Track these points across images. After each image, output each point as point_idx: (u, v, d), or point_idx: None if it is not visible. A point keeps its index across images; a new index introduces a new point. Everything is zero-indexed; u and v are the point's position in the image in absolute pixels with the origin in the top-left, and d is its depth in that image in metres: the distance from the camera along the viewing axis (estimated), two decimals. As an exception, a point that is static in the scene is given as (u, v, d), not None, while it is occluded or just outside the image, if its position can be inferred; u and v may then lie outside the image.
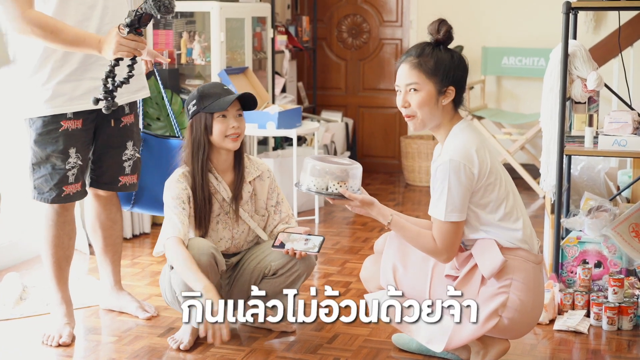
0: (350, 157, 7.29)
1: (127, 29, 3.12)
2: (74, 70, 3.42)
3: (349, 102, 7.81)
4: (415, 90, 3.03)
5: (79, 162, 3.52)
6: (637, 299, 3.79)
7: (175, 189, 3.48)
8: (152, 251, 5.07)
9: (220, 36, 5.63)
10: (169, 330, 3.73)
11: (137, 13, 3.08)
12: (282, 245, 3.46)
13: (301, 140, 6.51)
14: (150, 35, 5.74)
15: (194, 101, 3.52)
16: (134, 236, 5.38)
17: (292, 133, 5.65)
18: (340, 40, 7.82)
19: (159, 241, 3.44)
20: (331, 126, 7.10)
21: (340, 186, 3.04)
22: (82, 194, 3.59)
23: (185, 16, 5.77)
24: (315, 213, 5.84)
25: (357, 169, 3.09)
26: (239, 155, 3.61)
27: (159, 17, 3.10)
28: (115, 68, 3.17)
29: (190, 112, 3.53)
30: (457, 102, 3.08)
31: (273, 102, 6.40)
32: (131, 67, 3.21)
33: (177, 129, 4.16)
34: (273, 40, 6.45)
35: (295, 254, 3.44)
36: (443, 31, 3.04)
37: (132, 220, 5.38)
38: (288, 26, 7.17)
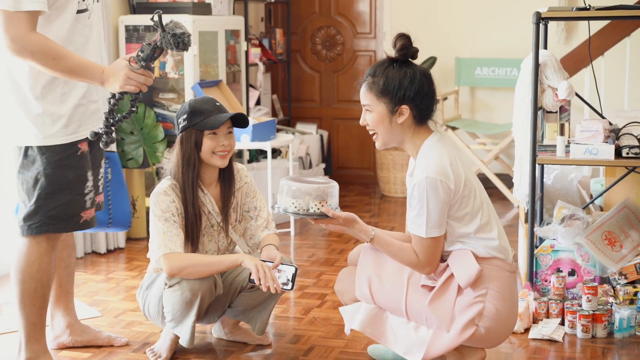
0: (325, 169, 7.31)
1: (140, 63, 2.98)
2: (83, 93, 3.25)
3: (323, 114, 7.82)
4: (369, 111, 3.06)
5: (92, 186, 3.35)
6: (611, 306, 3.81)
7: (164, 201, 3.44)
8: (126, 266, 5.04)
9: (193, 49, 5.62)
10: (144, 345, 3.71)
11: (154, 47, 2.97)
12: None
13: (276, 152, 6.50)
14: (124, 49, 5.72)
15: (185, 116, 3.47)
16: (109, 251, 5.35)
17: (267, 145, 5.65)
18: (314, 52, 7.83)
19: (154, 256, 3.42)
20: (306, 138, 7.10)
21: (322, 205, 3.04)
22: (94, 219, 3.41)
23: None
24: (291, 225, 5.83)
25: (334, 187, 3.10)
26: (227, 169, 3.59)
27: (175, 51, 3.03)
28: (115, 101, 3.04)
29: (180, 127, 3.49)
30: (421, 117, 3.07)
31: (247, 114, 6.39)
32: (134, 101, 3.08)
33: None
34: (247, 53, 6.45)
35: (269, 289, 3.39)
36: (397, 47, 3.04)
37: (107, 234, 5.35)
38: (262, 39, 7.17)
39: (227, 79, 6.15)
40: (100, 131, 3.02)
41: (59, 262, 3.59)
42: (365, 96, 3.07)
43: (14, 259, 3.28)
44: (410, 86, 3.00)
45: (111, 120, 3.02)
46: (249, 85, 6.55)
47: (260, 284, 3.32)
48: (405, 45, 3.02)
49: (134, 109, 3.08)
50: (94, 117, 3.30)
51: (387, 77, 3.02)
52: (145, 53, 2.97)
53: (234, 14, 6.47)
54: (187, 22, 5.52)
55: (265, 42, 7.17)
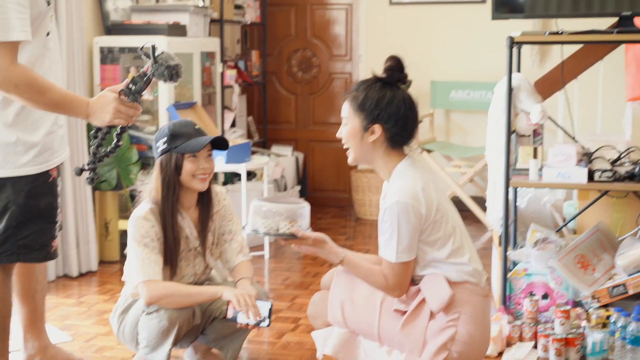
0: (300, 191, 7.29)
1: (133, 96, 2.90)
2: (54, 119, 3.16)
3: (299, 136, 7.82)
4: (345, 124, 3.07)
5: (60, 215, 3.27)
6: (584, 330, 3.81)
7: (144, 226, 3.40)
8: (98, 289, 5.00)
9: (168, 71, 5.59)
10: (115, 370, 3.68)
11: (146, 79, 2.90)
12: (233, 318, 3.36)
13: (251, 175, 6.49)
14: (98, 70, 5.70)
15: (165, 139, 3.44)
16: (80, 275, 5.30)
17: (241, 168, 5.64)
18: (290, 74, 7.84)
19: (132, 282, 3.38)
20: (281, 160, 7.09)
21: (292, 226, 3.03)
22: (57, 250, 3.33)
23: (132, 51, 5.75)
24: (265, 248, 5.81)
25: (304, 208, 3.09)
26: (206, 192, 3.57)
27: (165, 83, 2.97)
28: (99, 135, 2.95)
29: (159, 150, 3.46)
30: (393, 141, 3.07)
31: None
32: (120, 135, 2.99)
33: None
34: (222, 74, 6.45)
35: (247, 326, 3.36)
36: (385, 67, 3.05)
37: (79, 258, 5.30)
38: (237, 61, 7.17)
39: (202, 100, 6.14)
40: (87, 167, 2.93)
41: (29, 292, 3.50)
42: (344, 108, 3.08)
43: None
44: (386, 108, 3.01)
45: (98, 156, 2.93)
46: (224, 107, 6.54)
47: (239, 322, 3.30)
48: (391, 67, 3.04)
49: (120, 142, 2.99)
50: (62, 143, 3.24)
51: (367, 94, 3.03)
52: (139, 85, 2.89)
53: (209, 35, 6.47)
54: (163, 43, 5.51)
55: (241, 64, 7.17)
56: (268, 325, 3.32)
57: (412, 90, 7.61)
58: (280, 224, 3.04)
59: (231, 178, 6.38)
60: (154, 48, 2.90)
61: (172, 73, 2.89)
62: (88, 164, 2.95)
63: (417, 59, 7.20)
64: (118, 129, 2.99)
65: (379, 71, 3.08)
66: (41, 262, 3.25)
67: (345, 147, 3.11)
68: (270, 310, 3.33)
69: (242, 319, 3.32)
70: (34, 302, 3.53)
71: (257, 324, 3.31)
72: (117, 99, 2.91)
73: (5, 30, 2.83)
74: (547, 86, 5.49)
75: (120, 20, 5.91)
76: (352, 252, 3.16)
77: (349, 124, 3.07)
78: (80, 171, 2.96)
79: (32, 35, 2.98)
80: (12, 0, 2.84)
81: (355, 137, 3.05)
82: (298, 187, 7.26)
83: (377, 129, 3.02)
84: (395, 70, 3.05)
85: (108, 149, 2.97)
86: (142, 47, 2.90)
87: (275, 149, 7.51)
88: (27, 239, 3.14)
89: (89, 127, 5.50)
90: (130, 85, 2.91)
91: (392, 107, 3.01)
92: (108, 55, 5.74)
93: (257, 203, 3.08)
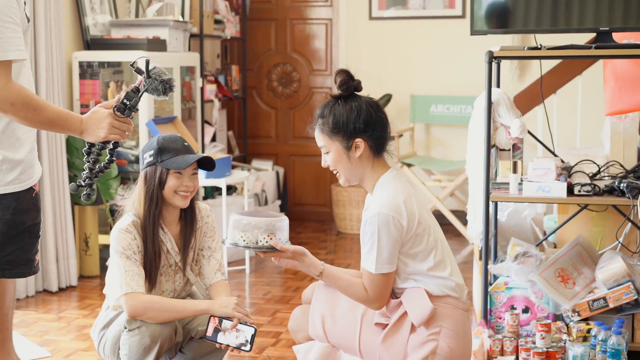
0: (281, 205, 7.29)
1: (127, 112, 2.87)
2: (33, 137, 3.06)
3: (279, 151, 7.82)
4: (325, 152, 3.07)
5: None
6: (565, 343, 3.82)
7: (126, 239, 3.38)
8: (78, 304, 4.97)
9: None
10: (95, 386, 3.65)
11: (140, 93, 2.88)
12: (214, 335, 3.33)
13: (232, 189, 6.47)
14: (77, 85, 5.68)
15: (152, 152, 3.43)
16: (60, 289, 5.27)
17: (222, 182, 5.63)
18: (270, 89, 7.85)
19: (114, 294, 3.36)
20: (262, 175, 7.09)
21: (271, 238, 3.03)
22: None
23: (112, 66, 5.73)
24: (246, 263, 5.80)
25: (283, 220, 3.08)
26: (188, 208, 3.55)
27: (157, 98, 2.97)
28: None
29: (145, 162, 3.45)
30: (377, 147, 3.07)
31: (203, 151, 6.37)
32: (113, 151, 2.95)
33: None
34: (202, 89, 6.44)
35: (227, 347, 3.34)
36: (338, 83, 3.05)
37: (59, 272, 5.27)
38: (217, 75, 7.17)
39: (182, 115, 6.13)
40: (84, 184, 2.90)
41: (2, 311, 3.41)
42: (319, 138, 3.08)
43: None
44: (359, 118, 3.01)
45: (94, 172, 2.89)
46: (204, 122, 6.53)
47: (219, 342, 3.29)
48: (345, 80, 3.04)
49: (113, 157, 2.96)
50: (37, 156, 3.23)
51: (335, 115, 3.03)
52: (134, 100, 2.87)
53: (189, 50, 6.47)
54: (142, 59, 5.49)
55: (221, 79, 7.17)
56: (249, 350, 3.28)
57: (392, 105, 7.67)
58: (259, 237, 3.03)
59: (212, 192, 6.37)
60: (147, 63, 2.89)
61: (165, 87, 2.90)
62: (84, 180, 2.91)
63: (397, 74, 7.23)
64: (111, 145, 2.99)
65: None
66: (26, 276, 3.21)
67: (334, 172, 3.11)
68: (254, 335, 3.28)
69: (222, 340, 3.29)
70: (6, 321, 3.48)
71: (238, 347, 3.28)
72: (111, 114, 2.88)
73: (1, 50, 2.80)
74: (527, 101, 5.53)
75: (99, 35, 5.90)
76: (332, 266, 3.15)
77: (330, 150, 3.07)
78: (77, 187, 2.93)
79: None
80: (7, 19, 2.83)
81: (342, 160, 3.05)
82: (278, 202, 7.25)
83: (359, 142, 3.02)
84: (348, 81, 3.05)
85: (102, 165, 2.97)
86: (134, 62, 2.90)
87: (255, 163, 7.50)
88: (12, 255, 3.09)
89: (69, 143, 5.48)
90: (125, 101, 2.90)
91: (363, 115, 3.02)
92: (87, 70, 5.72)
93: (237, 217, 3.08)
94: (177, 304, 3.35)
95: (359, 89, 3.09)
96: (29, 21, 3.08)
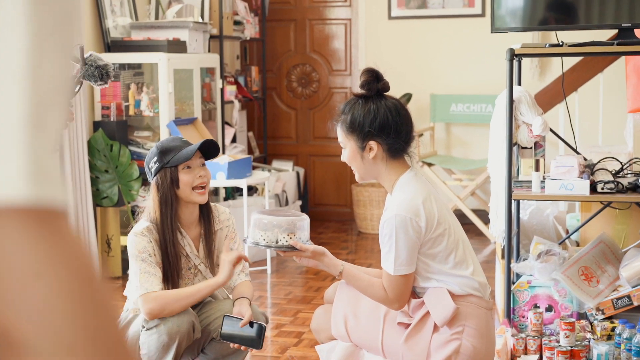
0: (301, 206, 7.29)
1: None
2: None
3: (299, 151, 7.82)
4: (343, 147, 3.08)
5: None
6: (589, 342, 3.79)
7: (141, 242, 3.38)
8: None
9: (168, 87, 5.61)
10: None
11: (76, 81, 2.92)
12: (225, 335, 3.33)
13: (252, 190, 6.48)
14: (98, 87, 5.70)
15: (155, 158, 3.42)
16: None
17: (243, 183, 5.63)
18: (290, 89, 7.85)
19: (133, 298, 3.37)
20: (282, 175, 7.09)
21: (291, 238, 3.02)
22: None
23: (132, 68, 5.75)
24: (267, 263, 5.80)
25: (304, 220, 3.08)
26: (205, 209, 3.55)
27: (96, 85, 2.98)
28: None
29: (152, 170, 3.44)
30: (392, 151, 3.06)
31: (223, 152, 6.38)
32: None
33: None
34: (222, 90, 6.45)
35: (239, 347, 3.34)
36: (361, 82, 3.05)
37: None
38: (237, 76, 7.18)
39: (202, 116, 6.14)
40: None
41: None
42: (338, 133, 3.08)
43: None
44: (374, 121, 3.00)
45: None
46: (224, 123, 6.54)
47: (233, 343, 3.29)
48: (367, 81, 3.03)
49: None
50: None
51: (353, 114, 3.02)
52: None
53: (209, 51, 6.48)
54: (162, 60, 5.52)
55: (241, 80, 7.18)
56: (259, 348, 3.28)
57: (412, 104, 7.66)
58: (280, 236, 3.03)
59: (232, 193, 6.38)
60: (82, 49, 2.91)
61: (102, 73, 2.92)
62: None
63: (417, 73, 7.21)
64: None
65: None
66: None
67: (350, 167, 3.12)
68: (262, 332, 3.27)
69: (231, 330, 3.29)
70: None
71: (249, 345, 3.28)
72: None
73: None
74: (548, 98, 5.50)
75: (120, 37, 5.92)
76: (353, 265, 3.15)
77: (346, 147, 3.07)
78: None
79: None
80: None
81: (356, 159, 3.05)
82: (299, 202, 7.25)
83: (373, 144, 3.01)
84: (372, 82, 3.04)
85: None
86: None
87: (275, 164, 7.51)
88: None
89: (90, 144, 5.50)
90: None
91: (380, 119, 3.01)
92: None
93: (258, 216, 3.08)
94: (189, 291, 3.33)
95: (386, 89, 3.07)
96: None
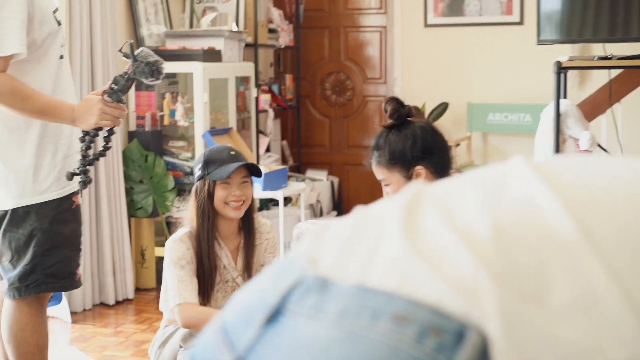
0: (337, 215, 7.20)
1: (115, 96, 2.88)
2: (69, 144, 3.12)
3: (333, 160, 7.74)
4: (386, 184, 2.96)
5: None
6: None
7: (180, 248, 3.32)
8: (135, 318, 4.93)
9: (203, 97, 5.55)
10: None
11: (128, 78, 2.88)
12: None
13: (286, 200, 6.41)
14: (133, 97, 5.66)
15: (200, 165, 3.37)
16: (117, 302, 5.24)
17: (279, 194, 5.56)
18: (324, 97, 7.78)
19: (169, 304, 3.31)
20: (316, 185, 7.02)
21: None
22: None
23: (167, 77, 5.70)
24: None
25: None
26: (246, 221, 3.47)
27: (148, 82, 2.94)
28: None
29: (196, 176, 3.41)
30: (439, 170, 2.95)
31: (258, 162, 6.32)
32: (108, 138, 2.96)
33: None
34: (257, 99, 6.39)
35: None
36: (389, 112, 2.94)
37: (115, 285, 5.25)
38: (271, 85, 7.12)
39: (237, 125, 6.09)
40: (77, 171, 2.89)
41: None
42: (377, 172, 2.95)
43: (4, 323, 3.09)
44: (415, 146, 2.89)
45: (88, 159, 2.90)
46: (259, 132, 6.48)
47: None
48: (396, 108, 2.93)
49: (109, 145, 2.97)
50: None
51: (390, 145, 2.90)
52: (121, 84, 2.88)
53: (243, 60, 6.42)
54: (198, 69, 5.47)
55: (275, 88, 7.11)
56: None
57: (449, 113, 7.58)
58: None
59: (266, 203, 6.32)
60: (132, 46, 2.86)
61: (152, 69, 2.86)
62: (78, 168, 2.91)
63: (453, 82, 7.11)
64: (105, 132, 2.97)
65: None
66: (68, 290, 3.23)
67: None
68: None
69: None
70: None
71: None
72: (101, 100, 2.89)
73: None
74: (590, 109, 5.39)
75: (154, 45, 5.88)
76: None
77: (391, 182, 2.95)
78: (71, 176, 2.93)
79: (43, 56, 3.02)
80: (9, 14, 2.84)
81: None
82: (334, 212, 7.18)
83: (420, 169, 2.90)
84: (400, 109, 2.94)
85: (99, 152, 2.96)
86: (122, 47, 2.87)
87: (310, 173, 7.44)
88: (53, 268, 3.10)
89: (125, 155, 5.46)
90: (113, 86, 2.89)
91: (420, 142, 2.90)
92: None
93: (306, 226, 3.02)
94: None
95: (411, 114, 2.98)
96: (59, 24, 3.09)
